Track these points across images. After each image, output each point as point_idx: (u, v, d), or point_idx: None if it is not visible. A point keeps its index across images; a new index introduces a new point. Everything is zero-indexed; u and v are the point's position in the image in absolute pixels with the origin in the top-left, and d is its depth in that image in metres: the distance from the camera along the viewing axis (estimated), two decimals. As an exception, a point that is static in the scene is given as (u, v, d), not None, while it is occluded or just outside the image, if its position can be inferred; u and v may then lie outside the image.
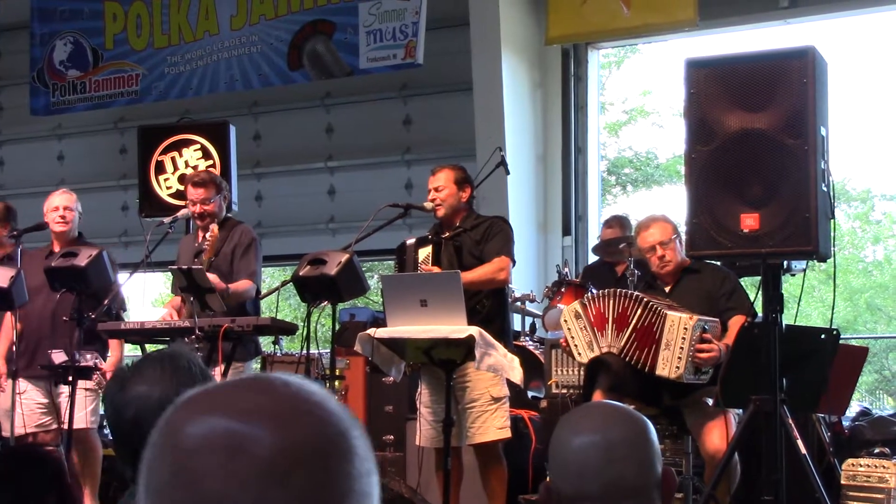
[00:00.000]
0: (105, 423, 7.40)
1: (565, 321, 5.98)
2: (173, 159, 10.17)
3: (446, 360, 5.78)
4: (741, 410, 5.29)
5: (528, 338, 8.51)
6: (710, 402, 5.64)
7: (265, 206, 12.22)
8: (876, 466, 6.01)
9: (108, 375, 6.67)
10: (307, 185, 12.10)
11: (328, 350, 6.76)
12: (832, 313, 5.76)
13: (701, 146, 4.85)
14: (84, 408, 6.75)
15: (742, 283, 6.11)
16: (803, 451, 4.74)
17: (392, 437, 8.11)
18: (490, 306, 6.16)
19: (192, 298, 6.13)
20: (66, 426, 6.53)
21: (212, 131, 10.13)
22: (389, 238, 7.27)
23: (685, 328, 5.47)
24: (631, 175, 26.62)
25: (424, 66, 10.12)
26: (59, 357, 6.39)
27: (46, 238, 7.53)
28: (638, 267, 7.55)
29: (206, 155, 9.94)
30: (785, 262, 4.94)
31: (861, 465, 6.10)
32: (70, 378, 6.31)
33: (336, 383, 7.53)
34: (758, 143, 4.69)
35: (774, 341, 4.74)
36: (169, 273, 6.78)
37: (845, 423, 7.31)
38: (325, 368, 7.55)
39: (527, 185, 10.47)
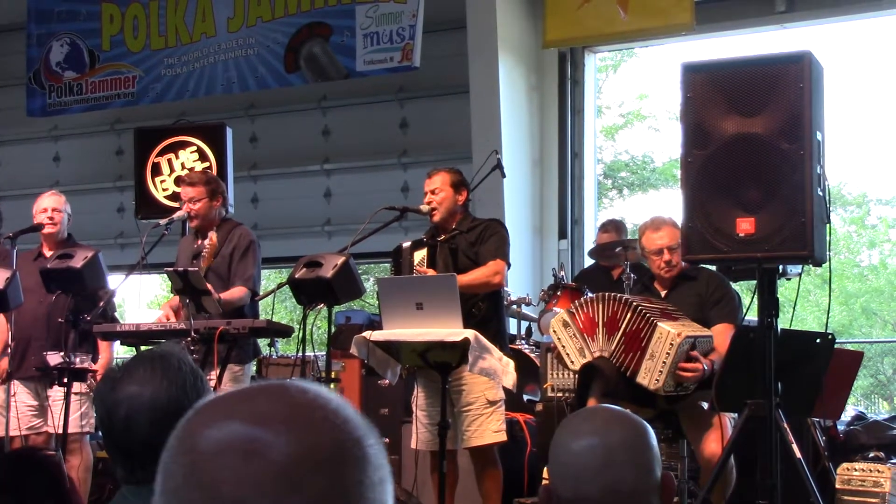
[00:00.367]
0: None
1: (554, 331, 5.97)
2: (170, 161, 10.17)
3: (442, 363, 5.78)
4: (736, 414, 5.29)
5: (523, 341, 8.51)
6: (706, 405, 5.64)
7: (261, 208, 12.22)
8: (871, 471, 6.01)
9: (99, 377, 6.68)
10: (303, 187, 12.10)
11: (324, 352, 6.76)
12: (827, 317, 5.76)
13: (697, 150, 4.86)
14: (75, 411, 6.72)
15: (737, 292, 6.09)
16: (798, 455, 4.74)
17: (388, 440, 8.09)
18: (486, 309, 6.16)
19: (187, 301, 6.12)
20: (58, 430, 6.52)
21: (208, 133, 10.14)
22: (386, 240, 7.27)
23: (671, 343, 5.45)
24: (627, 179, 26.64)
25: (421, 69, 10.12)
26: (54, 359, 6.38)
27: (35, 240, 7.52)
28: (634, 271, 7.55)
29: (203, 157, 9.95)
30: (781, 267, 4.93)
31: (856, 470, 6.10)
32: (65, 380, 6.30)
33: (332, 386, 7.54)
34: (754, 148, 4.70)
35: (770, 345, 4.74)
36: (165, 275, 6.76)
37: (840, 428, 7.32)
38: (321, 371, 7.56)
39: (523, 189, 10.47)
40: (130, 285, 7.24)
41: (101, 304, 6.57)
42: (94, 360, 6.90)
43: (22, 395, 7.09)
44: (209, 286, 6.19)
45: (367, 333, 5.95)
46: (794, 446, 4.76)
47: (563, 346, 5.93)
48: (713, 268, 5.90)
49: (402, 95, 11.56)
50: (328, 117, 12.07)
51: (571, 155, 10.84)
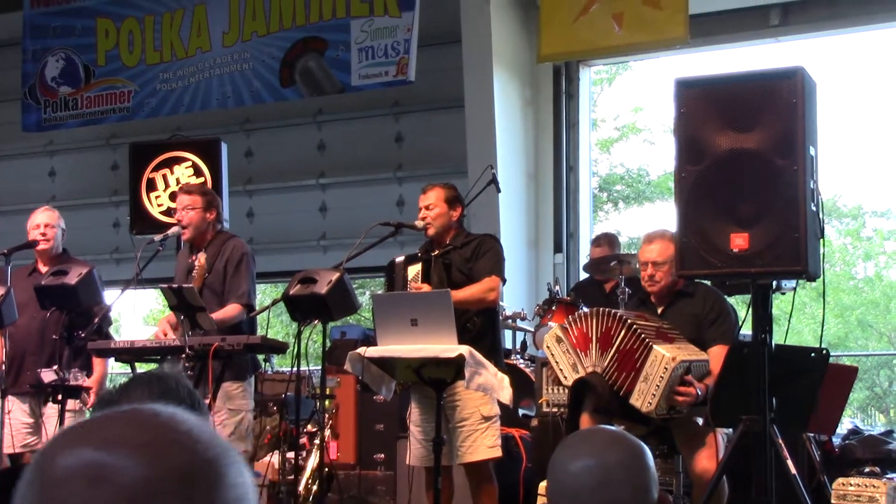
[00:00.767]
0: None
1: (548, 347, 5.97)
2: (165, 176, 10.17)
3: (436, 379, 5.78)
4: (731, 430, 5.29)
5: (519, 356, 8.51)
6: (700, 421, 5.64)
7: (256, 222, 12.22)
8: (866, 485, 6.02)
9: (92, 392, 6.65)
10: (299, 201, 12.10)
11: (319, 368, 6.75)
12: (822, 330, 5.77)
13: (691, 165, 4.86)
14: None
15: (733, 308, 6.08)
16: (793, 470, 4.73)
17: (383, 455, 8.11)
18: (480, 324, 6.16)
19: (182, 317, 6.11)
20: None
21: (203, 148, 10.14)
22: (381, 255, 7.27)
23: (666, 367, 5.44)
24: (623, 192, 26.66)
25: (416, 84, 10.13)
26: (48, 376, 6.36)
27: (30, 255, 7.50)
28: (628, 285, 7.55)
29: (198, 172, 9.95)
30: (775, 282, 4.93)
31: (851, 485, 6.10)
32: (60, 397, 6.29)
33: (327, 402, 7.53)
34: (747, 163, 4.70)
35: (764, 361, 4.74)
36: (160, 290, 6.76)
37: (835, 442, 7.31)
38: (316, 387, 7.56)
39: (518, 203, 10.48)
40: (126, 301, 7.20)
41: (96, 320, 6.55)
42: (89, 377, 6.88)
43: (17, 411, 7.06)
44: (207, 318, 6.18)
45: (361, 350, 5.94)
46: (789, 461, 4.75)
47: (557, 362, 5.93)
48: (708, 282, 5.91)
49: (397, 110, 11.58)
50: (323, 132, 12.08)
51: (566, 168, 10.85)
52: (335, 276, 6.04)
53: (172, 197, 9.49)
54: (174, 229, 6.81)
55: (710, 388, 5.32)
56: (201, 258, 6.45)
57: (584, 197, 11.00)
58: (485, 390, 5.75)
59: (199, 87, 11.25)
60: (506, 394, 5.77)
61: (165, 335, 6.39)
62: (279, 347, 6.67)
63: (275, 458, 8.03)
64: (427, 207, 6.35)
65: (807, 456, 6.40)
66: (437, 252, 6.32)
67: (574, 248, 10.83)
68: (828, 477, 6.34)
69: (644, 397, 5.46)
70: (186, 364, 5.85)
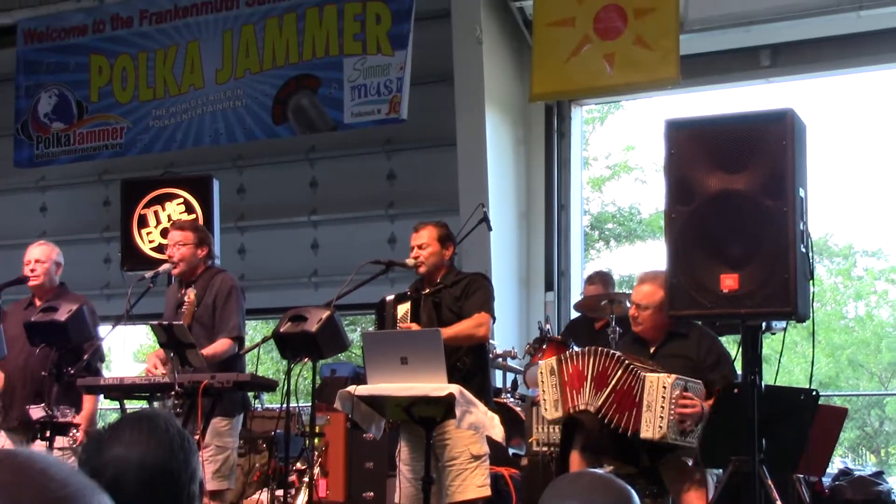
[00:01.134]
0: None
1: (541, 373, 5.96)
2: (156, 213, 10.18)
3: (426, 418, 5.77)
4: (720, 470, 5.28)
5: (509, 394, 8.50)
6: (690, 462, 5.63)
7: (248, 259, 12.22)
8: (856, 527, 6.00)
9: (81, 429, 6.61)
10: (290, 238, 12.11)
11: (309, 405, 6.73)
12: (811, 370, 5.78)
13: (681, 206, 4.88)
14: None
15: (725, 348, 6.08)
16: (783, 512, 4.73)
17: (372, 494, 8.09)
18: (470, 363, 6.15)
19: (172, 354, 6.10)
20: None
21: (195, 185, 10.15)
22: (372, 292, 7.27)
23: (664, 387, 5.45)
24: (614, 230, 26.71)
25: (408, 122, 10.16)
26: (36, 413, 6.33)
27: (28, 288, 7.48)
28: (619, 324, 7.56)
29: (190, 209, 9.96)
30: (765, 322, 4.94)
31: (841, 526, 6.09)
32: (48, 434, 6.26)
33: (316, 440, 7.51)
34: (737, 204, 4.72)
35: (754, 402, 4.74)
36: (150, 327, 6.74)
37: (826, 483, 7.30)
38: (306, 424, 7.53)
39: (509, 241, 10.50)
40: (116, 337, 7.19)
41: (86, 357, 6.53)
42: (79, 414, 6.83)
43: (9, 447, 7.02)
44: (199, 355, 6.16)
45: (351, 388, 5.93)
46: (779, 503, 4.75)
47: (544, 392, 5.92)
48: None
49: (389, 147, 11.60)
50: (316, 169, 12.11)
51: (558, 207, 10.88)
52: (325, 314, 6.04)
53: (164, 233, 9.49)
54: (165, 266, 6.81)
55: (700, 430, 5.31)
56: (190, 294, 6.44)
57: (575, 235, 11.02)
58: (476, 429, 5.74)
59: (191, 123, 11.27)
60: (497, 431, 5.76)
61: (156, 368, 6.37)
62: (269, 385, 6.66)
63: (264, 496, 8.01)
64: (420, 246, 6.35)
65: (797, 497, 6.38)
66: (427, 290, 6.32)
67: (565, 286, 10.84)
68: (818, 518, 6.33)
69: (653, 425, 5.43)
70: (176, 401, 5.84)
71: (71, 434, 6.48)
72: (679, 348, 5.89)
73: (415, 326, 6.14)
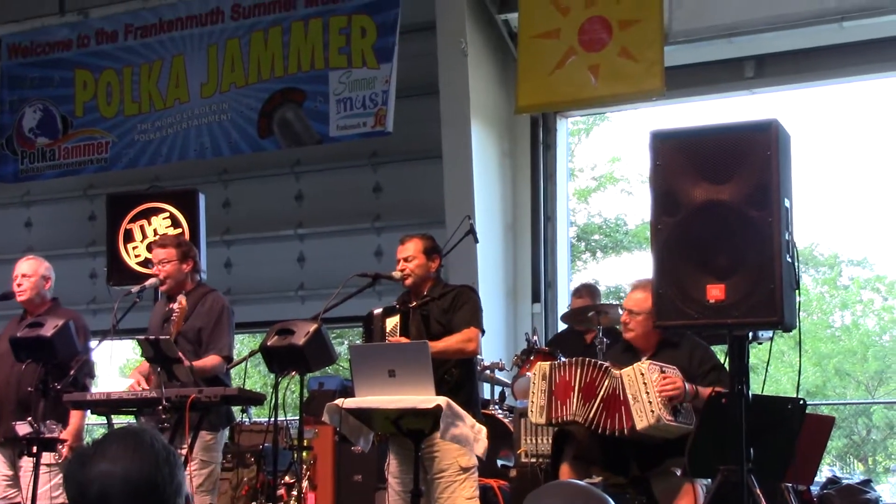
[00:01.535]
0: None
1: (534, 374, 5.98)
2: (142, 227, 10.15)
3: (414, 430, 5.75)
4: (710, 480, 5.29)
5: (497, 406, 8.50)
6: (679, 472, 5.63)
7: (234, 273, 12.21)
8: (844, 536, 6.01)
9: (68, 444, 6.57)
10: (277, 252, 12.11)
11: (297, 418, 6.72)
12: (798, 379, 5.80)
13: (667, 217, 4.89)
14: (46, 483, 6.49)
15: (717, 358, 6.10)
16: (771, 521, 4.74)
17: (360, 507, 8.07)
18: (458, 376, 6.15)
19: (159, 369, 6.08)
20: (28, 502, 6.41)
21: (181, 199, 10.13)
22: (359, 305, 7.26)
23: (641, 373, 5.50)
24: (601, 241, 26.75)
25: (394, 135, 10.17)
26: (23, 429, 6.30)
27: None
28: (606, 335, 7.57)
29: (175, 223, 9.94)
30: (751, 332, 4.95)
31: (830, 535, 6.10)
32: (34, 450, 6.23)
33: (304, 453, 7.49)
34: (723, 215, 4.73)
35: (741, 412, 4.75)
36: (137, 342, 6.71)
37: (814, 491, 7.30)
38: (294, 438, 7.51)
39: (496, 253, 10.50)
40: (102, 352, 7.15)
41: (72, 372, 6.50)
42: (66, 429, 6.79)
43: None
44: (181, 354, 6.15)
45: (339, 401, 5.91)
46: (767, 512, 4.76)
47: (533, 394, 5.94)
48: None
49: (375, 160, 11.62)
50: (301, 182, 12.11)
51: (544, 218, 10.89)
52: (312, 327, 6.03)
53: (150, 248, 9.46)
54: (151, 280, 6.79)
55: (689, 440, 5.31)
56: (182, 300, 6.40)
57: (561, 247, 11.03)
58: (459, 442, 5.73)
59: (176, 137, 11.26)
60: (480, 447, 5.75)
61: (139, 385, 6.34)
62: (256, 399, 6.64)
63: (252, 511, 7.99)
64: (406, 259, 6.35)
65: (785, 506, 6.39)
66: (415, 303, 6.32)
67: (552, 298, 10.85)
68: (806, 527, 6.33)
69: (644, 413, 5.45)
70: (163, 416, 5.82)
71: (58, 450, 6.45)
72: (671, 358, 5.89)
73: (403, 340, 6.14)
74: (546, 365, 5.95)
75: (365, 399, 5.77)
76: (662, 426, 5.46)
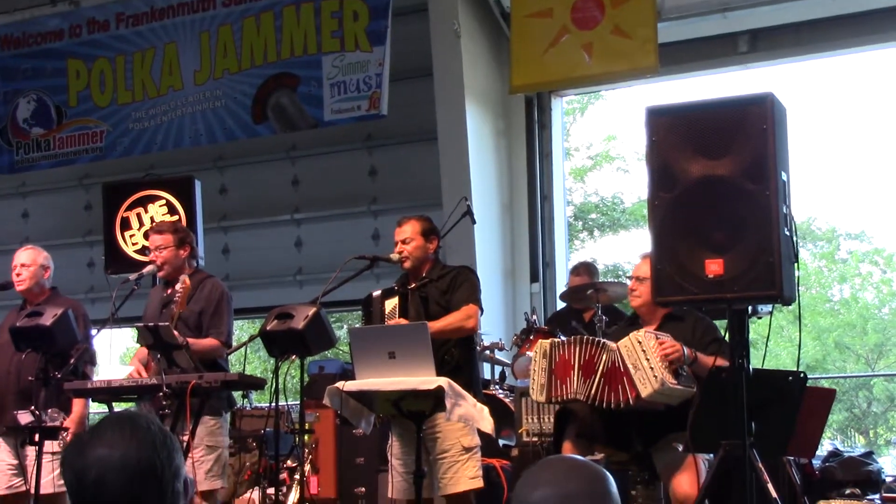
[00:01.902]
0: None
1: (536, 352, 5.98)
2: (139, 215, 10.14)
3: (416, 412, 5.77)
4: (711, 455, 5.29)
5: (497, 386, 8.51)
6: (681, 447, 5.64)
7: (232, 259, 12.20)
8: (847, 507, 6.02)
9: (71, 432, 6.57)
10: (274, 237, 12.11)
11: (297, 403, 6.73)
12: (798, 353, 5.79)
13: (664, 193, 4.88)
14: (51, 471, 6.47)
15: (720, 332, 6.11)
16: (774, 494, 4.74)
17: (363, 489, 8.09)
18: (458, 356, 6.15)
19: (158, 356, 6.08)
20: (32, 489, 6.42)
21: (177, 186, 10.11)
22: (357, 289, 7.27)
23: (638, 341, 5.51)
24: (598, 220, 26.75)
25: (389, 117, 10.16)
26: (24, 418, 6.30)
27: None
28: (605, 313, 7.58)
29: (172, 210, 9.93)
30: (750, 306, 4.94)
31: (832, 507, 6.11)
32: (37, 439, 6.23)
33: (306, 437, 7.50)
34: (720, 190, 4.72)
35: (742, 386, 4.75)
36: (136, 329, 6.70)
37: (816, 464, 7.32)
38: (295, 422, 7.52)
39: (493, 234, 10.50)
40: (101, 340, 7.15)
41: (72, 360, 6.50)
42: (68, 417, 6.79)
43: (2, 452, 6.97)
44: (179, 336, 6.13)
45: (339, 384, 5.92)
46: (770, 485, 4.76)
47: (534, 371, 5.93)
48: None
49: (370, 143, 11.60)
50: (297, 167, 12.10)
51: (541, 198, 10.89)
52: (312, 310, 6.03)
53: (147, 236, 9.45)
54: (149, 268, 6.79)
55: (690, 415, 5.32)
56: (185, 279, 6.37)
57: (559, 226, 11.03)
58: (466, 421, 5.74)
59: (171, 125, 11.24)
60: (486, 423, 5.76)
61: (139, 374, 6.34)
62: (257, 383, 6.64)
63: (255, 495, 8.01)
64: (403, 241, 6.35)
65: (787, 479, 6.40)
66: (413, 285, 6.32)
67: (550, 277, 10.85)
68: (809, 500, 6.34)
69: (648, 380, 5.44)
70: (164, 402, 5.82)
71: (62, 438, 6.45)
72: (675, 330, 5.90)
73: (403, 321, 6.14)
74: (547, 343, 5.95)
75: (366, 381, 5.78)
76: (667, 390, 5.45)
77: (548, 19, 9.80)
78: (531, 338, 7.93)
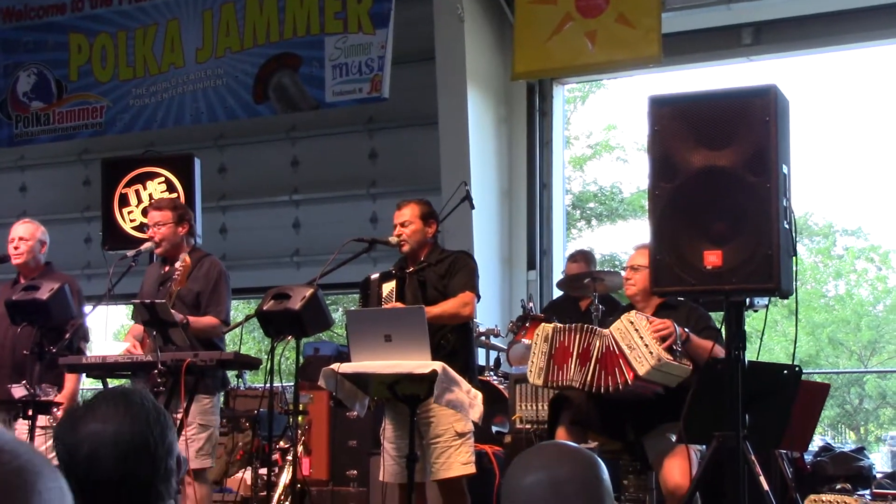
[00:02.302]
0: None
1: (537, 335, 5.97)
2: (137, 192, 10.12)
3: (410, 395, 5.77)
4: (704, 446, 5.30)
5: (492, 373, 8.51)
6: (674, 437, 5.65)
7: (230, 238, 12.19)
8: (838, 502, 6.03)
9: (63, 407, 6.57)
10: (272, 217, 12.10)
11: (292, 384, 6.73)
12: (794, 348, 5.79)
13: (664, 183, 4.87)
14: (41, 445, 6.42)
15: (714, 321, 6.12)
16: (766, 487, 4.75)
17: (355, 472, 8.10)
18: (454, 341, 6.15)
19: (154, 333, 6.07)
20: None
21: (176, 164, 10.10)
22: (354, 271, 7.27)
23: (630, 322, 5.52)
24: (596, 209, 26.75)
25: (390, 101, 10.14)
26: (18, 392, 6.31)
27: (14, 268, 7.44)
28: (602, 302, 7.58)
29: (171, 188, 9.91)
30: (748, 299, 4.95)
31: (823, 501, 6.12)
32: (30, 413, 6.23)
33: (300, 418, 7.50)
34: (720, 181, 4.71)
35: (737, 377, 4.75)
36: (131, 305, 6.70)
37: (807, 459, 7.34)
38: (289, 403, 7.53)
39: (492, 220, 10.49)
40: (97, 316, 7.15)
41: (67, 335, 6.50)
42: (61, 392, 6.80)
43: None
44: (174, 312, 6.13)
45: (335, 365, 5.92)
46: (762, 478, 4.77)
47: (534, 354, 5.93)
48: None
49: (371, 126, 11.59)
50: (297, 148, 12.08)
51: (540, 186, 10.88)
52: (309, 291, 6.03)
53: (145, 212, 9.43)
54: (147, 245, 6.77)
55: (685, 406, 5.32)
56: (185, 258, 6.36)
57: (557, 214, 11.03)
58: (454, 407, 5.74)
59: (172, 102, 11.22)
60: (475, 412, 5.76)
61: (135, 348, 6.34)
62: (252, 363, 6.65)
63: (247, 475, 8.01)
64: (402, 224, 6.34)
65: (779, 472, 6.42)
66: (411, 269, 6.32)
67: (547, 265, 10.85)
68: (800, 494, 6.36)
69: (643, 358, 5.43)
70: (159, 379, 5.82)
71: (53, 413, 6.45)
72: (670, 318, 5.91)
73: (400, 305, 6.13)
74: (549, 327, 5.94)
75: (361, 364, 5.78)
76: (664, 366, 5.44)
77: (552, 6, 9.79)
78: (527, 325, 7.93)
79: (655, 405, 5.65)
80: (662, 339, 5.47)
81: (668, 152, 4.87)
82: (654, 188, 4.90)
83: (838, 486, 6.63)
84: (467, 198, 8.27)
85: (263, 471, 6.98)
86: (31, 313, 6.47)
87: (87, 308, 7.20)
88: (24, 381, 6.33)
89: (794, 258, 4.80)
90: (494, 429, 7.90)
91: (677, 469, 5.57)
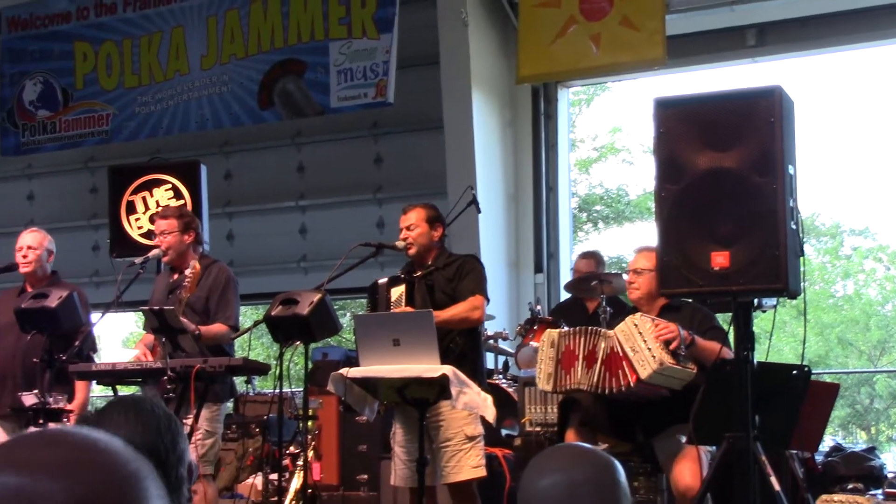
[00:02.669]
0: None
1: (543, 341, 5.98)
2: (144, 199, 10.15)
3: (420, 399, 5.77)
4: (714, 447, 5.30)
5: (500, 376, 8.51)
6: (684, 439, 5.65)
7: (237, 245, 12.20)
8: (849, 502, 6.03)
9: (74, 415, 6.58)
10: (279, 223, 12.10)
11: (301, 389, 6.73)
12: (803, 349, 5.78)
13: (670, 185, 4.88)
14: None
15: (719, 321, 6.11)
16: (777, 487, 4.75)
17: (366, 476, 8.10)
18: (463, 345, 6.15)
19: (163, 339, 6.08)
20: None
21: (183, 171, 10.12)
22: (362, 276, 7.27)
23: (634, 324, 5.52)
24: (602, 212, 26.74)
25: (395, 105, 10.14)
26: (29, 399, 6.32)
27: (20, 276, 7.44)
28: (610, 304, 7.57)
29: (178, 195, 9.93)
30: (756, 300, 4.94)
31: (835, 501, 6.12)
32: (41, 421, 6.24)
33: (309, 423, 7.51)
34: (727, 182, 4.72)
35: (746, 379, 4.75)
36: (140, 313, 6.71)
37: (818, 459, 7.33)
38: (299, 408, 7.53)
39: (498, 223, 10.49)
40: (106, 324, 7.17)
41: (77, 343, 6.52)
42: (71, 400, 6.81)
43: (1, 436, 6.99)
44: (185, 321, 6.14)
45: (344, 370, 5.93)
46: (773, 479, 4.77)
47: (541, 360, 5.94)
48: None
49: (376, 131, 11.59)
50: (303, 153, 12.09)
51: (546, 189, 10.88)
52: (317, 297, 6.04)
53: (152, 220, 9.45)
54: (154, 252, 6.78)
55: (694, 406, 5.32)
56: (195, 265, 6.37)
57: (563, 217, 11.02)
58: (471, 409, 5.76)
59: (177, 109, 11.24)
60: (490, 412, 5.78)
61: (145, 357, 6.35)
62: (261, 369, 6.66)
63: (258, 480, 8.02)
64: (408, 228, 6.35)
65: (790, 473, 6.41)
66: (419, 273, 6.32)
67: (554, 268, 10.85)
68: (811, 494, 6.35)
69: (646, 362, 5.43)
70: (168, 386, 5.83)
71: (64, 420, 6.46)
72: (673, 321, 5.91)
73: (408, 309, 6.14)
74: (555, 332, 5.96)
75: (370, 368, 5.79)
76: (666, 370, 5.45)
77: (556, 9, 9.79)
78: (535, 328, 7.93)
79: (664, 407, 5.66)
80: (666, 343, 5.47)
81: (673, 154, 4.88)
82: (661, 190, 4.91)
83: (850, 486, 6.62)
84: (473, 202, 8.27)
85: (274, 476, 6.99)
86: (40, 321, 6.48)
87: (96, 316, 7.21)
88: (34, 390, 6.34)
89: (801, 258, 4.80)
90: (504, 432, 7.90)
91: (688, 470, 5.57)
